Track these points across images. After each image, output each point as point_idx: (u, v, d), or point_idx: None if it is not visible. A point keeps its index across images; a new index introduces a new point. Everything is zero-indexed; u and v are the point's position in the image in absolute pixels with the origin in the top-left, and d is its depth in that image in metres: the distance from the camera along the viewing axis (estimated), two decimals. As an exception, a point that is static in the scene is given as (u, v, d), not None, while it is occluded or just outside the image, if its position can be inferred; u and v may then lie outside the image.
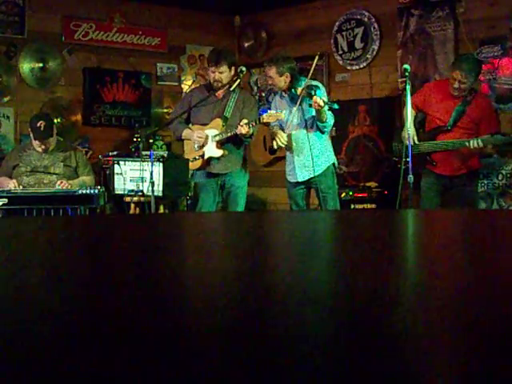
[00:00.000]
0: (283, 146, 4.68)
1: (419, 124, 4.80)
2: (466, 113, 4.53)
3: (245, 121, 4.50)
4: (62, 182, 4.70)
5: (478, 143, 4.34)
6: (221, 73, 4.60)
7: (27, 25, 5.84)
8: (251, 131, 4.53)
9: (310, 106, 4.40)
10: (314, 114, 4.53)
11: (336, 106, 4.42)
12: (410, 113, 4.47)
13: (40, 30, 5.91)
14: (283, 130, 4.75)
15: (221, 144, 4.65)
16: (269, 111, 4.58)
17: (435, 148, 4.58)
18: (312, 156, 4.55)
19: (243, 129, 4.45)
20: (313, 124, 4.61)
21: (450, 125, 4.56)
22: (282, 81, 4.65)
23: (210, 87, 4.74)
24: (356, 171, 6.07)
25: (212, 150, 4.67)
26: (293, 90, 4.60)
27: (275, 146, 4.75)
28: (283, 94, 4.76)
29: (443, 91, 4.67)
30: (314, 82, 4.62)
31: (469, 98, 4.57)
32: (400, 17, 5.83)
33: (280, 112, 4.53)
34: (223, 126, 4.63)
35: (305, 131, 4.60)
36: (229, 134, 4.57)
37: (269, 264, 0.87)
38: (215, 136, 4.63)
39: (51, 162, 4.85)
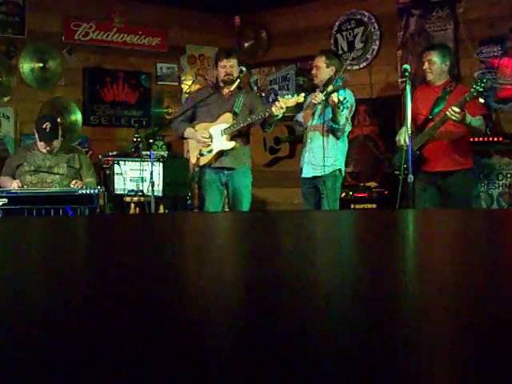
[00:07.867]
0: (317, 102, 4.54)
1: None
2: (448, 101, 4.48)
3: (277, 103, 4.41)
4: (76, 182, 4.74)
5: (453, 110, 4.27)
6: (231, 66, 4.61)
7: (27, 25, 5.84)
8: (284, 109, 4.44)
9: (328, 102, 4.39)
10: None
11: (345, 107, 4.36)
12: (409, 114, 4.45)
13: (40, 30, 5.91)
14: (303, 128, 4.75)
15: (231, 137, 4.60)
16: (286, 96, 4.57)
17: (423, 139, 4.53)
18: (323, 157, 4.53)
19: (279, 105, 4.37)
20: (330, 127, 4.59)
21: (432, 113, 4.54)
22: (327, 73, 4.65)
23: (216, 87, 4.73)
24: (356, 171, 6.07)
25: (222, 143, 4.59)
26: (326, 87, 4.56)
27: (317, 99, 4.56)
28: (318, 90, 4.73)
29: (425, 91, 4.70)
30: (347, 90, 4.59)
31: (448, 88, 4.56)
32: (400, 17, 5.83)
33: (298, 96, 4.51)
34: (234, 119, 4.59)
35: (321, 131, 4.58)
36: (240, 126, 4.52)
37: (269, 266, 0.87)
38: (225, 129, 4.57)
39: (55, 162, 4.86)
